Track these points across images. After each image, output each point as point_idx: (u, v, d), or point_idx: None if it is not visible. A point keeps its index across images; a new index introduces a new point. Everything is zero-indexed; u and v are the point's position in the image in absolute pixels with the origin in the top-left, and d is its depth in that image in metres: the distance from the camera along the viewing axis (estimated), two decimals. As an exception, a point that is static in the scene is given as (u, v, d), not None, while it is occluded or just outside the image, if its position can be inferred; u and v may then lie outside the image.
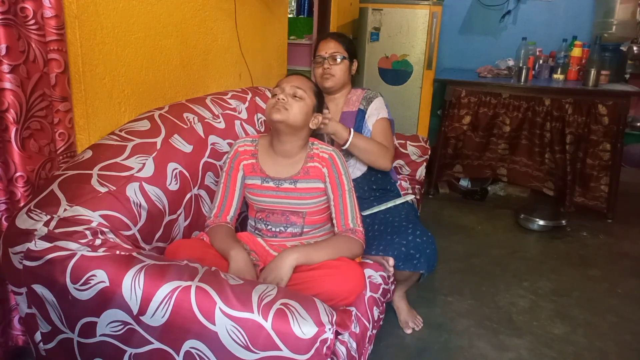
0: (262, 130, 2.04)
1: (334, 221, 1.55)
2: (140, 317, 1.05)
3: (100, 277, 1.06)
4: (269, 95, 1.85)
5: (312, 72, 1.98)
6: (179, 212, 1.50)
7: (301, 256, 1.36)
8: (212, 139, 1.71)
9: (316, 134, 1.68)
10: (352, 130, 1.81)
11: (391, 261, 1.64)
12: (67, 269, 1.07)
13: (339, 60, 1.91)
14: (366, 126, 1.94)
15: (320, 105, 1.59)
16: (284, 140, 1.52)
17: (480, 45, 4.06)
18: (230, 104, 1.93)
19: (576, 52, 3.34)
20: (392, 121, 2.01)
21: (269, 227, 1.59)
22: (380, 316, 1.60)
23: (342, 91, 2.00)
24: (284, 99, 1.47)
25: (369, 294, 1.52)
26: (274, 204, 1.56)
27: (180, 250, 1.34)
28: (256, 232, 1.62)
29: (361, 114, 1.95)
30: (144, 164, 1.40)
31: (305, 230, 1.59)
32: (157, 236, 1.39)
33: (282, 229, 1.58)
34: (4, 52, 1.14)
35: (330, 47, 1.92)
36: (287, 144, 1.53)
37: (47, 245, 1.10)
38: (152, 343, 1.07)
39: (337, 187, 1.54)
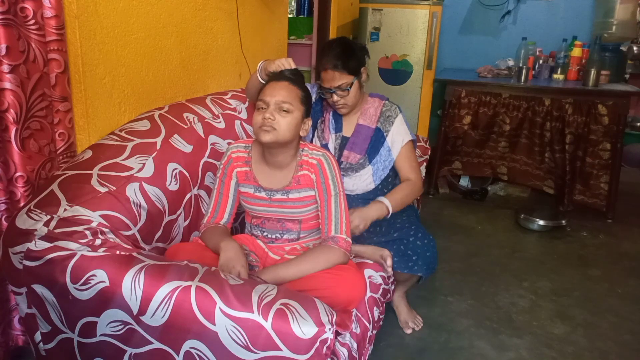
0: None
1: (321, 228, 1.50)
2: (140, 317, 1.05)
3: (100, 277, 1.06)
4: None
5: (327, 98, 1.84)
6: (178, 212, 1.50)
7: (270, 280, 1.31)
8: (212, 139, 1.71)
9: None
10: (383, 201, 1.71)
11: (389, 261, 1.63)
12: (67, 269, 1.07)
13: (347, 89, 1.76)
14: (385, 146, 1.85)
15: (309, 109, 1.52)
16: (276, 153, 1.48)
17: (480, 45, 4.06)
18: (230, 104, 1.93)
19: (576, 52, 3.33)
20: (414, 141, 1.92)
21: (265, 233, 1.57)
22: (380, 316, 1.60)
23: (358, 105, 1.88)
24: (270, 118, 1.39)
25: (369, 294, 1.52)
26: (268, 212, 1.54)
27: (179, 254, 1.33)
28: (253, 236, 1.61)
29: (378, 134, 1.85)
30: (144, 164, 1.40)
31: (302, 235, 1.57)
32: (156, 236, 1.40)
33: (278, 235, 1.56)
34: (4, 52, 1.14)
35: (335, 79, 1.74)
36: (279, 156, 1.48)
37: (47, 245, 1.10)
38: (152, 343, 1.07)
39: (323, 193, 1.49)
